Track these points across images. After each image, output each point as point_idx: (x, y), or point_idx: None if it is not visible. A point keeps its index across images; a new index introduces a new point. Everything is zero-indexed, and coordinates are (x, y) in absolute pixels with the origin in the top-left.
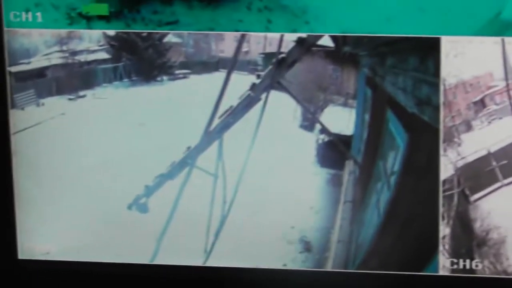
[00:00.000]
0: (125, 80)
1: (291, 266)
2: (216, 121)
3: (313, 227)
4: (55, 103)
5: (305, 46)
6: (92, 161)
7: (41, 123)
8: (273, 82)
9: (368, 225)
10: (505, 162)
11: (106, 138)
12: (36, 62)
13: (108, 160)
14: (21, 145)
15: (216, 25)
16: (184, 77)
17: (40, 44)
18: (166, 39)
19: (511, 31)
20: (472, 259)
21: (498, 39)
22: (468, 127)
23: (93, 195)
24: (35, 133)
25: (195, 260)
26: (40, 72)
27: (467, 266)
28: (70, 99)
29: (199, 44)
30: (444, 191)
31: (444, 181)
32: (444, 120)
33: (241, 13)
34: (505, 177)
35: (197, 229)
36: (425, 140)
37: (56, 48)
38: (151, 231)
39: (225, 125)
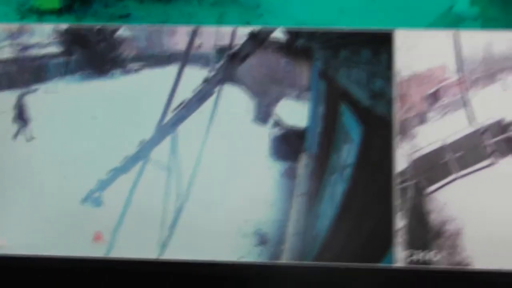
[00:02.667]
0: (77, 74)
1: (247, 259)
2: (170, 115)
3: (268, 220)
4: (5, 98)
5: (258, 39)
6: (44, 155)
7: None
8: (227, 76)
9: (323, 218)
10: (459, 154)
11: (58, 133)
12: None
13: (61, 154)
14: None
15: (168, 19)
16: (137, 71)
17: None
18: (118, 33)
19: (463, 24)
20: (428, 250)
21: (450, 32)
22: (423, 120)
23: (46, 190)
24: None
25: (150, 253)
26: None
27: (423, 258)
28: (22, 93)
29: (151, 38)
30: (399, 183)
31: (399, 174)
32: (399, 113)
33: (193, 6)
34: (460, 169)
35: (152, 223)
36: (379, 133)
37: (7, 42)
38: (105, 225)
39: (179, 119)
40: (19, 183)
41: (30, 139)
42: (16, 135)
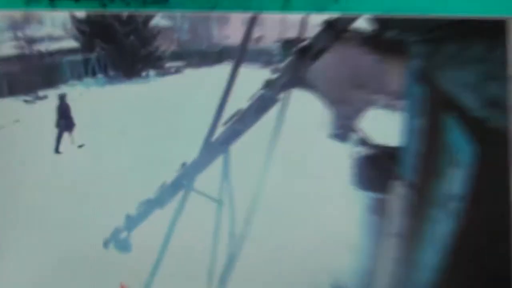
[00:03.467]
0: (99, 76)
1: None
2: (220, 130)
3: (349, 269)
4: (6, 107)
5: (335, 30)
6: (56, 182)
7: None
8: (295, 77)
9: (423, 267)
10: None
11: (74, 153)
12: None
13: (77, 181)
14: None
15: (218, 3)
16: (177, 72)
17: None
18: (153, 23)
19: None
20: None
21: None
22: None
23: (58, 228)
24: None
25: None
26: None
27: None
28: (26, 101)
29: (196, 28)
30: None
31: None
32: None
33: None
34: None
35: (196, 273)
36: (496, 153)
37: (9, 34)
38: (135, 275)
39: (232, 135)
40: (21, 221)
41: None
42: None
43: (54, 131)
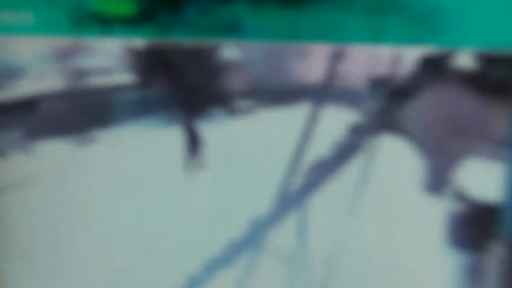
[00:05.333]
0: (158, 115)
1: None
2: (297, 179)
3: None
4: (51, 151)
5: (433, 67)
6: (106, 237)
7: (29, 180)
8: (384, 121)
9: None
10: None
11: (127, 203)
12: (24, 88)
13: (131, 236)
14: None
15: (298, 33)
16: (248, 112)
17: (31, 60)
18: (221, 54)
19: None
20: None
21: None
22: None
23: (116, 285)
24: (21, 194)
25: None
26: (30, 103)
27: None
28: (74, 143)
29: (271, 62)
30: None
31: None
32: None
33: (339, 15)
34: None
35: None
36: None
37: (55, 66)
38: None
39: (310, 186)
40: (63, 278)
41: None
42: None
43: (105, 177)
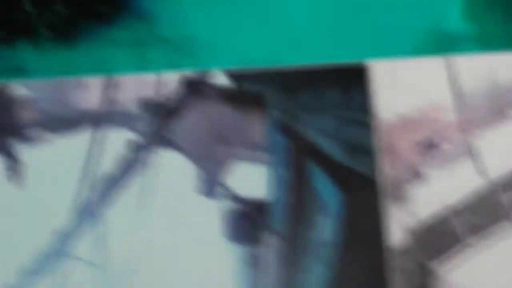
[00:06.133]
0: None
1: None
2: (90, 194)
3: None
4: None
5: (193, 86)
6: None
7: None
8: (158, 137)
9: None
10: (470, 218)
11: None
12: None
13: None
14: None
15: (74, 68)
16: (40, 139)
17: None
18: (11, 92)
19: (457, 46)
20: None
21: (441, 58)
22: (417, 176)
23: None
24: None
25: None
26: None
27: None
28: None
29: (55, 94)
30: (396, 263)
31: (395, 250)
32: (385, 169)
33: (106, 49)
34: (473, 238)
35: None
36: (364, 198)
37: None
38: None
39: (102, 199)
40: None
41: None
42: None
43: None
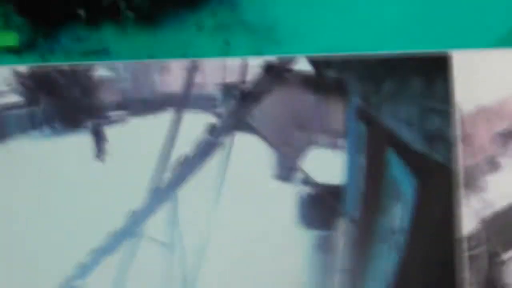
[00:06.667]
0: (45, 128)
1: None
2: (166, 176)
3: None
4: None
5: (275, 72)
6: (4, 235)
7: None
8: (238, 121)
9: None
10: None
11: (22, 205)
12: None
13: (26, 232)
14: None
15: (158, 52)
16: (121, 121)
17: None
18: (94, 73)
19: None
20: None
21: None
22: (494, 167)
23: (8, 281)
24: None
25: None
26: None
27: None
28: None
29: (137, 77)
30: (467, 250)
31: (466, 238)
32: (462, 159)
33: (189, 34)
34: None
35: None
36: (438, 187)
37: None
38: None
39: (178, 180)
40: None
41: None
42: None
43: (2, 184)
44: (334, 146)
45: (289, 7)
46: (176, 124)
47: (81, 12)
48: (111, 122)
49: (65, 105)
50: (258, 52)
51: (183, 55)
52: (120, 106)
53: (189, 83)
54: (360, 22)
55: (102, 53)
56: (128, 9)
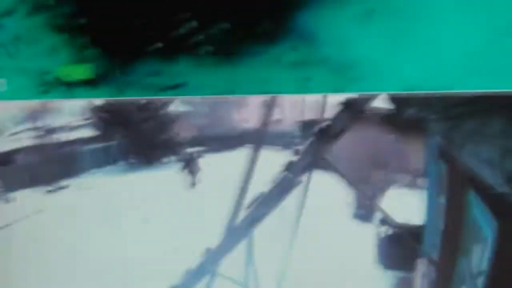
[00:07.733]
0: (120, 163)
1: None
2: (243, 213)
3: None
4: (29, 198)
5: (355, 109)
6: (79, 271)
7: (11, 224)
8: (317, 158)
9: None
10: None
11: (97, 241)
12: (1, 145)
13: (101, 269)
14: None
15: (236, 87)
16: (198, 157)
17: (5, 121)
18: (171, 108)
19: None
20: None
21: None
22: None
23: None
24: (4, 238)
25: None
26: (7, 158)
27: None
28: (48, 191)
29: (215, 112)
30: None
31: None
32: None
33: (269, 69)
34: None
35: None
36: None
37: (27, 125)
38: None
39: (255, 218)
40: None
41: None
42: None
43: (76, 220)
44: (413, 185)
45: (369, 43)
46: (253, 161)
47: (158, 45)
48: (187, 158)
49: (139, 140)
50: (337, 88)
51: (261, 90)
52: (196, 142)
53: (267, 119)
54: (441, 61)
55: (180, 88)
56: (206, 42)
